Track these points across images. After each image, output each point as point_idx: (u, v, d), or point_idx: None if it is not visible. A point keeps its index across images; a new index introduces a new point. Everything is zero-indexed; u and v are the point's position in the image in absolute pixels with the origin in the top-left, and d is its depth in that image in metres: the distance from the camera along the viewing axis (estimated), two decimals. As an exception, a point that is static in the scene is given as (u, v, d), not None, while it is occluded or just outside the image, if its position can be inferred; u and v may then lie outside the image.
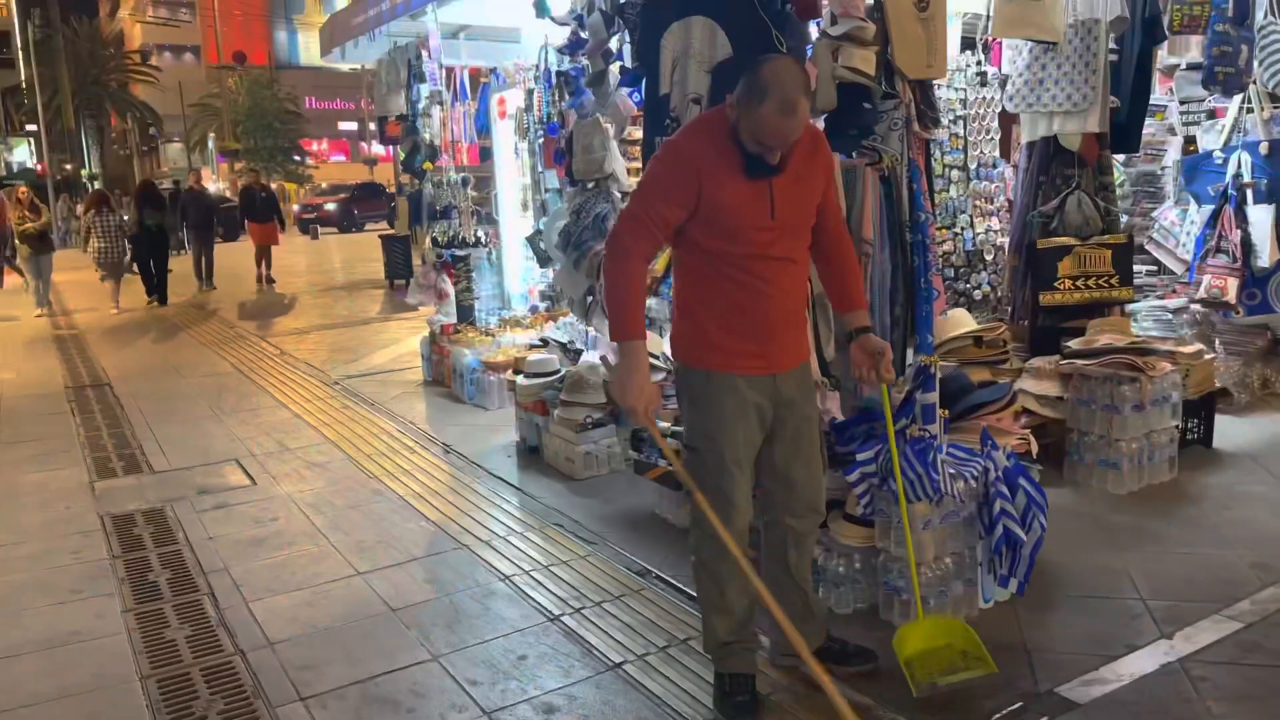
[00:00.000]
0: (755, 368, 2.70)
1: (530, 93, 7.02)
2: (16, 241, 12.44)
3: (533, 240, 7.30)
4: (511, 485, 4.90)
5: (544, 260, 7.30)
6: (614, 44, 4.62)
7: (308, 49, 60.76)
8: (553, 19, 4.72)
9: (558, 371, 5.29)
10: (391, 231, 16.10)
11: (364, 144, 49.75)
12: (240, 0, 54.50)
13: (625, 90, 4.73)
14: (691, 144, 2.65)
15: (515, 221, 8.37)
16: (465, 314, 7.11)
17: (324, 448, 5.73)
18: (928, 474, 2.93)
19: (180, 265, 15.59)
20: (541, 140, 7.09)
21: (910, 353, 3.86)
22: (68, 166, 38.31)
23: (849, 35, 3.62)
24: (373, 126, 45.81)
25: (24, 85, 37.95)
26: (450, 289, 7.17)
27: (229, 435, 6.09)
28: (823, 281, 2.91)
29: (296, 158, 46.70)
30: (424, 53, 6.62)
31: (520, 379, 5.31)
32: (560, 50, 4.81)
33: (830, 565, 3.28)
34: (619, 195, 4.89)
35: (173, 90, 47.41)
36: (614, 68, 4.70)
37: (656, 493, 4.32)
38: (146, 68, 49.04)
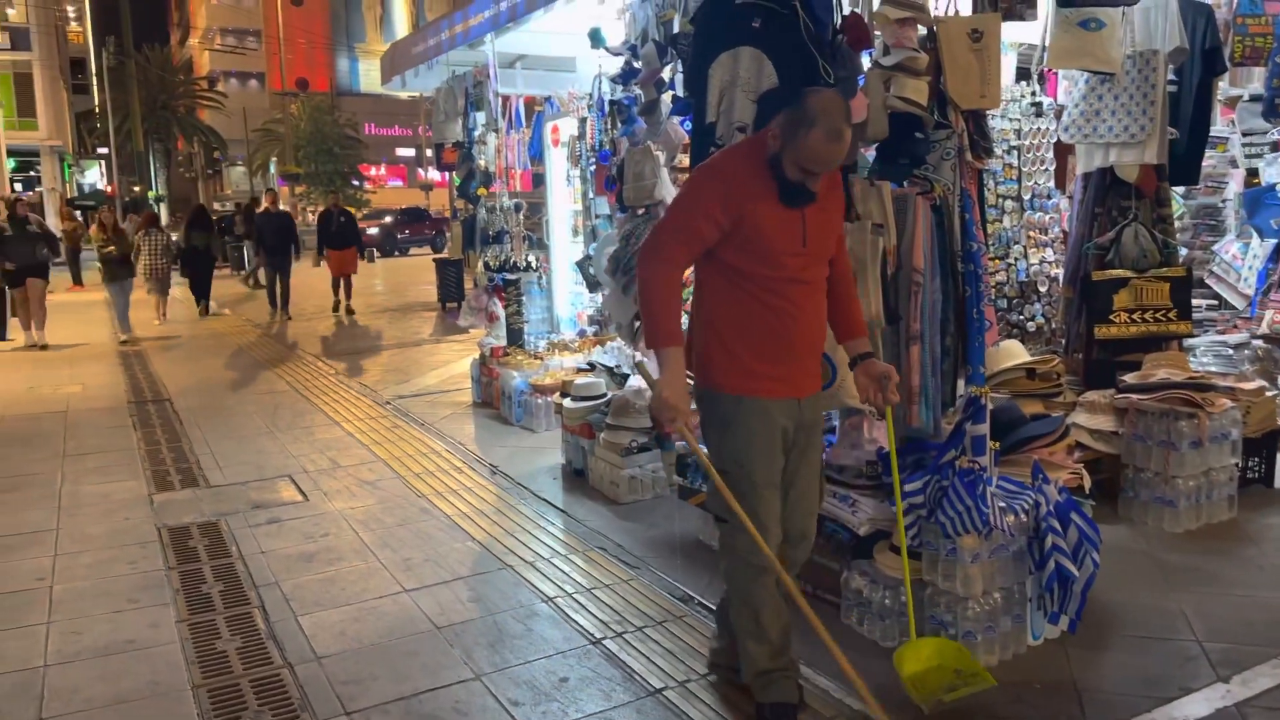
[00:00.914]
0: (782, 391, 2.74)
1: (583, 121, 7.13)
2: (98, 264, 12.31)
3: (582, 265, 7.38)
4: (556, 507, 4.93)
5: (593, 285, 7.37)
6: (666, 73, 4.68)
7: (368, 76, 62.28)
8: (607, 49, 4.81)
9: (604, 395, 5.33)
10: (444, 255, 16.41)
11: (420, 169, 50.65)
12: (304, 28, 56.10)
13: (677, 118, 4.79)
14: (733, 166, 2.71)
15: (565, 247, 8.48)
16: (515, 337, 7.20)
17: (375, 466, 5.82)
18: (976, 506, 2.90)
19: (225, 286, 15.94)
20: (593, 167, 7.18)
21: (961, 384, 3.83)
22: (136, 188, 39.58)
23: (901, 65, 3.63)
24: (429, 153, 46.87)
25: (97, 110, 39.39)
26: (500, 312, 7.27)
27: (283, 452, 6.22)
28: (828, 310, 2.93)
29: (355, 182, 47.73)
30: (484, 81, 6.77)
31: (567, 402, 5.35)
32: (614, 79, 4.89)
33: (875, 597, 3.25)
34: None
35: (237, 115, 48.89)
36: (666, 97, 4.76)
37: (700, 518, 4.31)
38: (213, 93, 50.63)
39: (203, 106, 50.69)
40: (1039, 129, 5.43)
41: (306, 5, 58.73)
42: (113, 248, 11.84)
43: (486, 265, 7.08)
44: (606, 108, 5.43)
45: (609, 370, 5.60)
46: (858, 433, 3.63)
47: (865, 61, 3.82)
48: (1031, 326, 5.38)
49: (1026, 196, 5.36)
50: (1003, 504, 3.02)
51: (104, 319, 13.70)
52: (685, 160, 5.35)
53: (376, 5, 63.17)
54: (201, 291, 14.74)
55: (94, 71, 40.40)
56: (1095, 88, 5.01)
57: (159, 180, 49.10)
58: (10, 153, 30.49)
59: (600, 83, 6.55)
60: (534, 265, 6.98)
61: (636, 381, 5.38)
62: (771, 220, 2.66)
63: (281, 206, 16.90)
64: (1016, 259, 5.30)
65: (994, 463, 3.12)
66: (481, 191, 7.14)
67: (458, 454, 6.03)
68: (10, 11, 21.95)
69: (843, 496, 3.47)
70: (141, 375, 9.27)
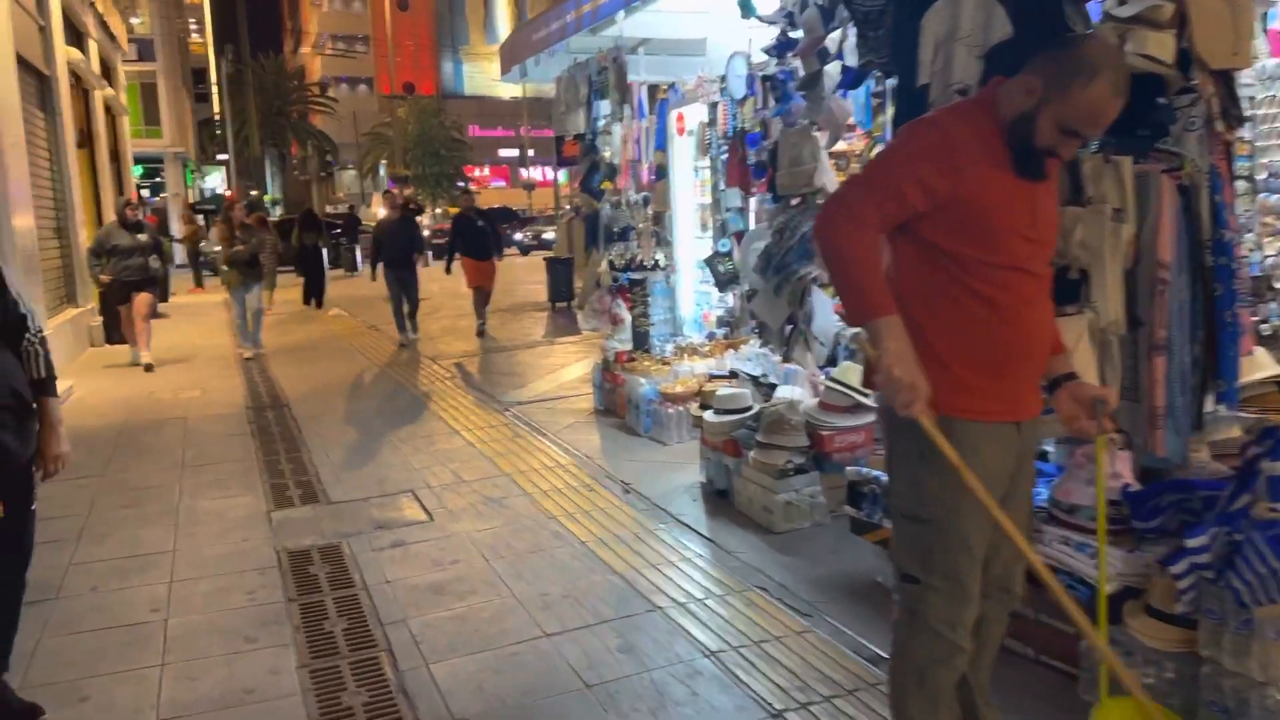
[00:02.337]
0: (1002, 412, 2.18)
1: (714, 106, 6.60)
2: (224, 268, 10.71)
3: (711, 262, 6.86)
4: (701, 535, 4.42)
5: (723, 284, 6.85)
6: (832, 41, 4.11)
7: (472, 79, 63.25)
8: (759, 18, 4.28)
9: (750, 408, 4.79)
10: (554, 254, 16.14)
11: (523, 169, 51.01)
12: (410, 32, 57.21)
13: (841, 93, 4.21)
14: (956, 125, 2.14)
15: (690, 243, 7.97)
16: (641, 341, 6.72)
17: (499, 481, 5.43)
18: (1285, 569, 2.26)
19: (343, 287, 15.98)
20: (725, 156, 6.65)
21: (1210, 402, 3.15)
22: (253, 192, 40.92)
23: (1140, 17, 2.98)
24: (531, 152, 47.07)
25: (217, 117, 40.83)
26: (625, 314, 6.81)
27: (404, 464, 5.89)
28: None
29: (460, 183, 48.38)
30: (608, 67, 6.30)
31: (708, 415, 4.84)
32: (767, 52, 4.35)
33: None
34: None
35: (348, 120, 50.17)
36: (831, 69, 4.19)
37: (875, 555, 3.74)
38: (325, 98, 52.07)
39: (315, 111, 52.19)
40: (1275, 96, 4.63)
41: (412, 10, 59.94)
42: (241, 247, 10.34)
43: (611, 264, 6.62)
44: (756, 85, 4.87)
45: (754, 380, 5.06)
46: (1094, 465, 3.00)
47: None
48: (1267, 329, 4.59)
49: (1261, 176, 4.57)
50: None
51: (223, 321, 13.87)
52: (854, 144, 4.79)
53: (480, 8, 64.03)
54: (315, 289, 15.76)
55: (214, 80, 41.92)
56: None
57: (275, 184, 50.82)
58: (138, 159, 31.67)
59: (738, 62, 6.02)
60: (661, 264, 6.49)
61: (787, 392, 4.83)
62: (998, 192, 2.10)
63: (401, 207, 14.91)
64: (1250, 250, 4.52)
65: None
66: (606, 185, 6.68)
67: (586, 469, 5.59)
68: (135, 21, 22.73)
69: (1080, 545, 2.85)
70: (260, 379, 9.17)
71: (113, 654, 3.47)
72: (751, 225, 6.98)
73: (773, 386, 4.96)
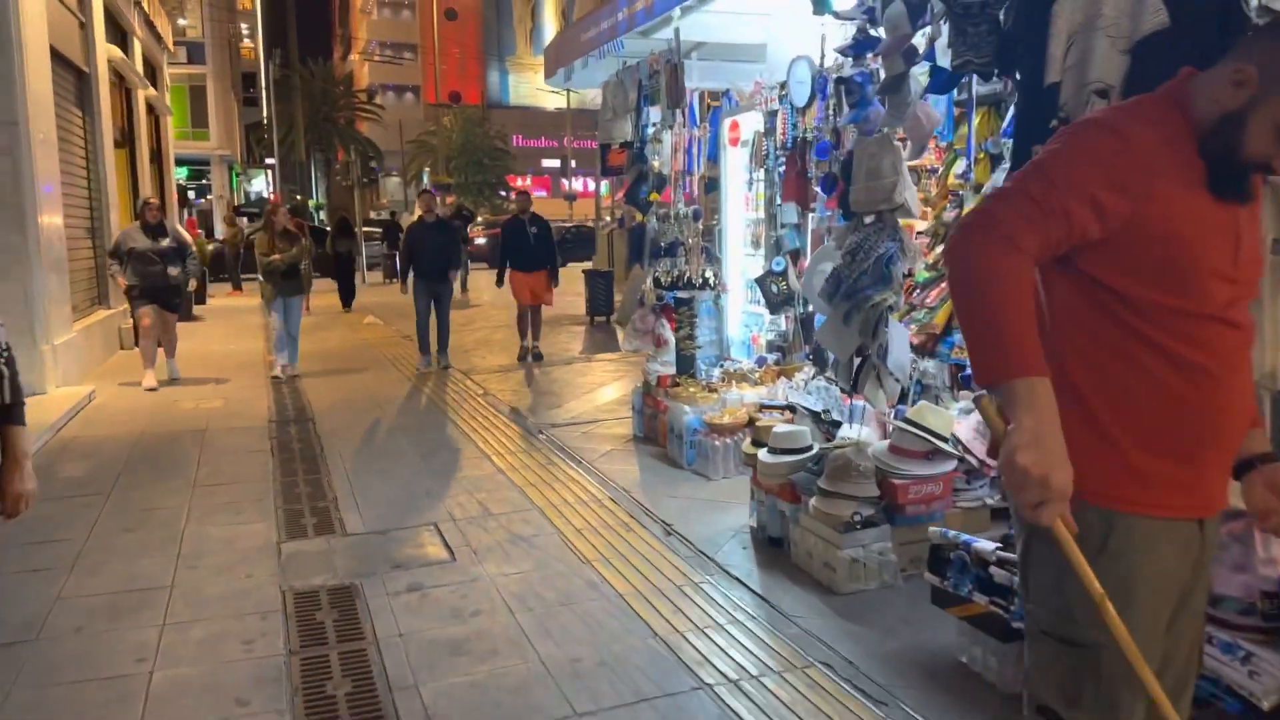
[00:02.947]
0: (1184, 507, 1.68)
1: (773, 114, 6.14)
2: (261, 279, 9.30)
3: (764, 282, 6.38)
4: (753, 592, 3.93)
5: (776, 306, 6.37)
6: (920, 40, 3.63)
7: (517, 89, 63.39)
8: (835, 14, 3.82)
9: (810, 448, 4.30)
10: (593, 266, 15.76)
11: (565, 180, 50.87)
12: (457, 41, 57.49)
13: (926, 99, 3.73)
14: (1138, 129, 1.62)
15: (739, 260, 7.51)
16: (685, 365, 6.26)
17: (530, 516, 4.98)
18: None
19: (378, 294, 15.68)
20: (783, 168, 6.18)
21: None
22: (298, 196, 41.16)
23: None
24: (573, 163, 46.93)
25: (265, 121, 41.14)
26: (669, 336, 6.35)
27: (428, 491, 5.47)
28: None
29: (502, 192, 48.39)
30: (660, 70, 5.86)
31: (763, 455, 4.35)
32: (842, 52, 3.88)
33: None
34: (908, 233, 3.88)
35: (393, 128, 50.35)
36: (918, 71, 3.71)
37: (958, 630, 3.23)
38: (372, 105, 52.33)
39: (361, 118, 52.47)
40: None
41: (460, 19, 60.20)
42: (278, 256, 9.01)
43: (657, 281, 6.17)
44: (829, 89, 4.39)
45: (814, 415, 4.57)
46: (1245, 547, 2.48)
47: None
48: None
49: None
50: None
51: (256, 326, 13.62)
52: (926, 158, 4.29)
53: (528, 18, 64.16)
54: (347, 293, 16.32)
55: (263, 85, 42.28)
56: None
57: (319, 189, 51.13)
58: (184, 161, 31.96)
59: (800, 67, 5.56)
60: (711, 282, 6.03)
61: (853, 432, 4.33)
62: (1193, 218, 1.60)
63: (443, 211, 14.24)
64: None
65: None
66: (654, 197, 6.23)
67: (623, 504, 5.13)
68: (183, 22, 22.83)
69: (1226, 645, 2.33)
70: (286, 390, 8.83)
71: (90, 714, 3.07)
72: (809, 243, 6.50)
73: (835, 424, 4.46)
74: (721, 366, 6.48)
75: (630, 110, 6.48)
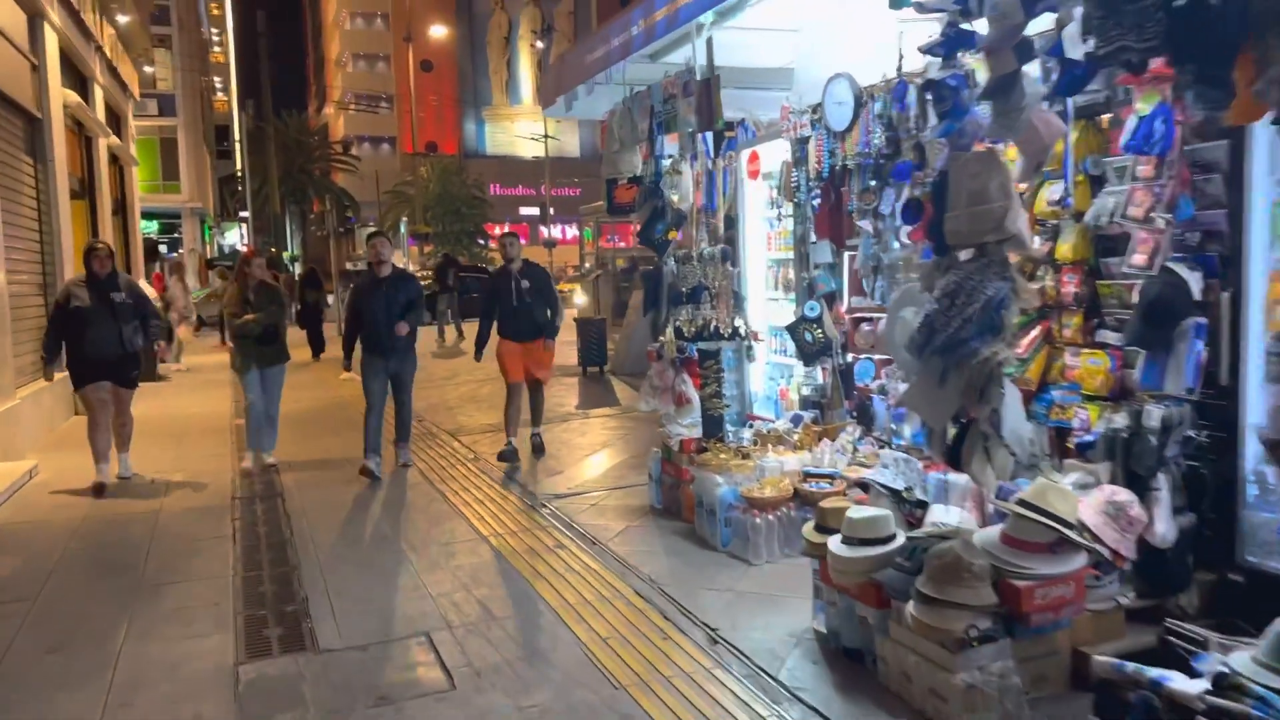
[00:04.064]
0: None
1: (803, 142, 5.42)
2: (231, 345, 7.73)
3: (796, 330, 5.63)
4: (838, 726, 3.10)
5: (810, 356, 5.62)
6: (1032, 29, 2.91)
7: (494, 138, 63.25)
8: (919, 5, 3.10)
9: (893, 537, 3.49)
10: (584, 314, 14.98)
11: (543, 228, 50.43)
12: (434, 92, 57.33)
13: (1048, 105, 3.00)
14: None
15: (761, 305, 6.75)
16: (713, 426, 5.45)
17: (543, 621, 4.13)
18: None
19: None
20: (816, 201, 5.45)
21: None
22: (273, 248, 40.31)
23: None
24: (552, 210, 46.47)
25: (239, 174, 40.44)
26: (693, 394, 5.55)
27: (417, 586, 4.61)
28: None
29: (480, 240, 47.83)
30: (676, 95, 5.12)
31: (837, 545, 3.52)
32: (929, 51, 3.17)
33: None
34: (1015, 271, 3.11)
35: (370, 178, 49.84)
36: (1032, 70, 2.98)
37: (1139, 794, 2.41)
38: (347, 157, 51.84)
39: (337, 169, 51.93)
40: None
41: (436, 70, 60.13)
42: (252, 316, 7.02)
43: (678, 331, 5.38)
44: (910, 97, 3.64)
45: (894, 494, 3.77)
46: None
47: None
48: None
49: None
50: None
51: (228, 382, 12.68)
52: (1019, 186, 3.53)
53: (503, 69, 64.24)
54: (315, 343, 16.02)
55: (237, 138, 41.63)
56: None
57: (294, 241, 50.35)
58: (154, 215, 31.16)
59: (839, 86, 4.86)
60: (742, 332, 5.24)
61: (943, 514, 3.53)
62: None
63: (404, 263, 13.65)
64: None
65: None
66: (672, 235, 5.47)
67: (653, 602, 4.28)
68: (149, 70, 22.08)
69: None
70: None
71: None
72: (845, 285, 5.76)
73: (920, 505, 3.66)
74: (751, 427, 5.67)
75: (641, 139, 5.74)
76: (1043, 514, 3.13)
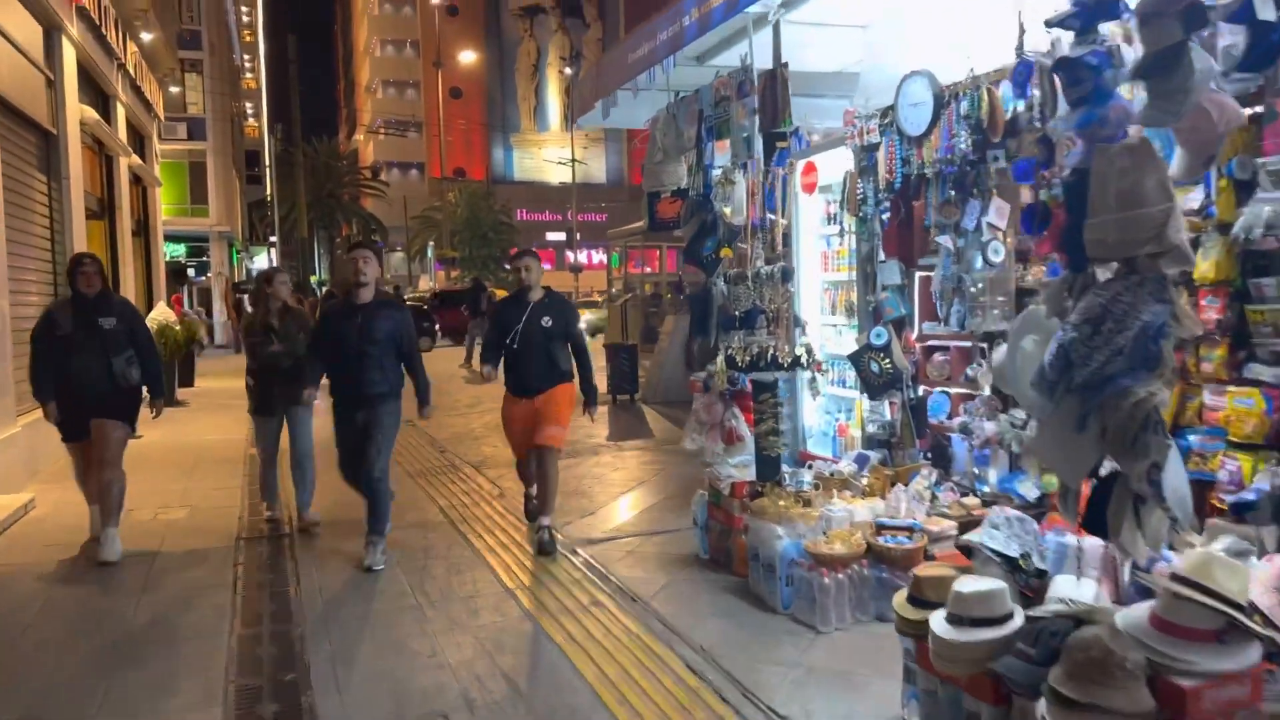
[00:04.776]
0: None
1: (871, 149, 4.84)
2: (249, 379, 6.28)
3: (861, 359, 5.03)
4: None
5: (877, 389, 5.01)
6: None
7: (521, 164, 63.40)
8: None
9: (1010, 615, 2.85)
10: (609, 339, 14.45)
11: (569, 253, 50.24)
12: (462, 117, 57.54)
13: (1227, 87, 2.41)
14: None
15: (816, 330, 6.13)
16: (769, 469, 4.84)
17: (580, 701, 3.52)
18: None
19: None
20: (886, 215, 4.86)
21: None
22: (297, 272, 40.26)
23: None
24: (579, 236, 46.19)
25: (268, 199, 40.45)
26: (746, 431, 4.95)
27: (434, 653, 4.02)
28: None
29: (507, 265, 47.60)
30: (730, 97, 4.57)
31: (942, 625, 2.89)
32: (1060, 24, 2.58)
33: None
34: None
35: (398, 203, 49.89)
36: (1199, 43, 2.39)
37: None
38: (376, 182, 51.96)
39: (366, 194, 52.05)
40: None
41: (465, 97, 60.44)
42: (278, 346, 5.98)
43: (730, 360, 4.79)
44: (1034, 79, 3.03)
45: (1008, 562, 3.14)
46: None
47: None
48: None
49: None
50: None
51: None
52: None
53: (531, 96, 64.50)
54: None
55: (267, 163, 41.76)
56: None
57: (322, 264, 50.38)
58: (182, 238, 31.07)
59: (916, 85, 4.29)
60: (804, 361, 4.64)
61: (1070, 587, 2.90)
62: None
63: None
64: None
65: None
66: (726, 253, 4.88)
67: (708, 678, 3.66)
68: (175, 90, 21.86)
69: None
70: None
71: None
72: (915, 310, 5.16)
73: (1038, 575, 3.03)
74: (809, 468, 5.05)
75: (686, 150, 5.19)
76: (1209, 593, 2.49)
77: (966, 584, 2.90)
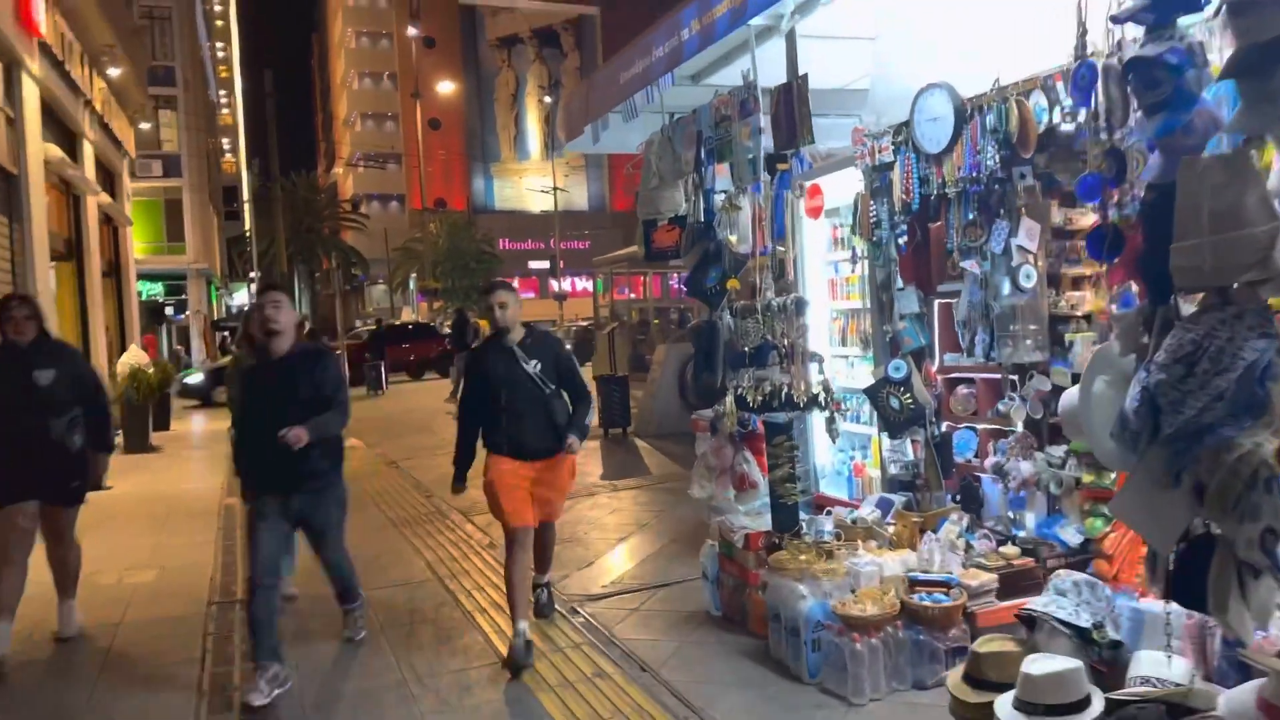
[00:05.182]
0: None
1: (884, 169, 4.49)
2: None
3: (878, 394, 4.66)
4: None
5: (896, 427, 4.63)
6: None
7: (502, 193, 63.17)
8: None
9: (1088, 699, 2.46)
10: (603, 371, 14.06)
11: (553, 281, 50.00)
12: (442, 148, 57.33)
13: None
14: None
15: (826, 363, 5.76)
16: (787, 519, 4.43)
17: (588, 801, 3.09)
18: None
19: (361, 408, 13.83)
20: (903, 239, 4.51)
21: None
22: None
23: None
24: (562, 264, 45.90)
25: (247, 234, 40.00)
26: (759, 476, 4.55)
27: (421, 743, 3.58)
28: None
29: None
30: (731, 116, 4.23)
31: (1008, 712, 2.49)
32: (1130, 19, 2.23)
33: None
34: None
35: (379, 235, 49.45)
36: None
37: None
38: (356, 215, 51.54)
39: (346, 228, 51.63)
40: None
41: (444, 128, 60.24)
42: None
43: (741, 401, 4.40)
44: (1098, 86, 2.67)
45: (1078, 633, 2.75)
46: None
47: None
48: None
49: None
50: None
51: (223, 454, 11.71)
52: None
53: (511, 125, 64.40)
54: None
55: (245, 199, 41.34)
56: None
57: (303, 299, 49.82)
58: (159, 276, 30.59)
59: (935, 98, 3.95)
60: (822, 400, 4.26)
61: (1150, 665, 2.51)
62: None
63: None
64: None
65: None
66: (733, 284, 4.51)
67: (734, 764, 3.24)
68: (144, 126, 21.29)
69: None
70: (241, 550, 6.92)
71: None
72: (936, 340, 4.80)
73: (1114, 646, 2.64)
74: (828, 514, 4.65)
75: (684, 175, 4.84)
76: (1342, 682, 2.11)
77: (1037, 664, 2.50)
